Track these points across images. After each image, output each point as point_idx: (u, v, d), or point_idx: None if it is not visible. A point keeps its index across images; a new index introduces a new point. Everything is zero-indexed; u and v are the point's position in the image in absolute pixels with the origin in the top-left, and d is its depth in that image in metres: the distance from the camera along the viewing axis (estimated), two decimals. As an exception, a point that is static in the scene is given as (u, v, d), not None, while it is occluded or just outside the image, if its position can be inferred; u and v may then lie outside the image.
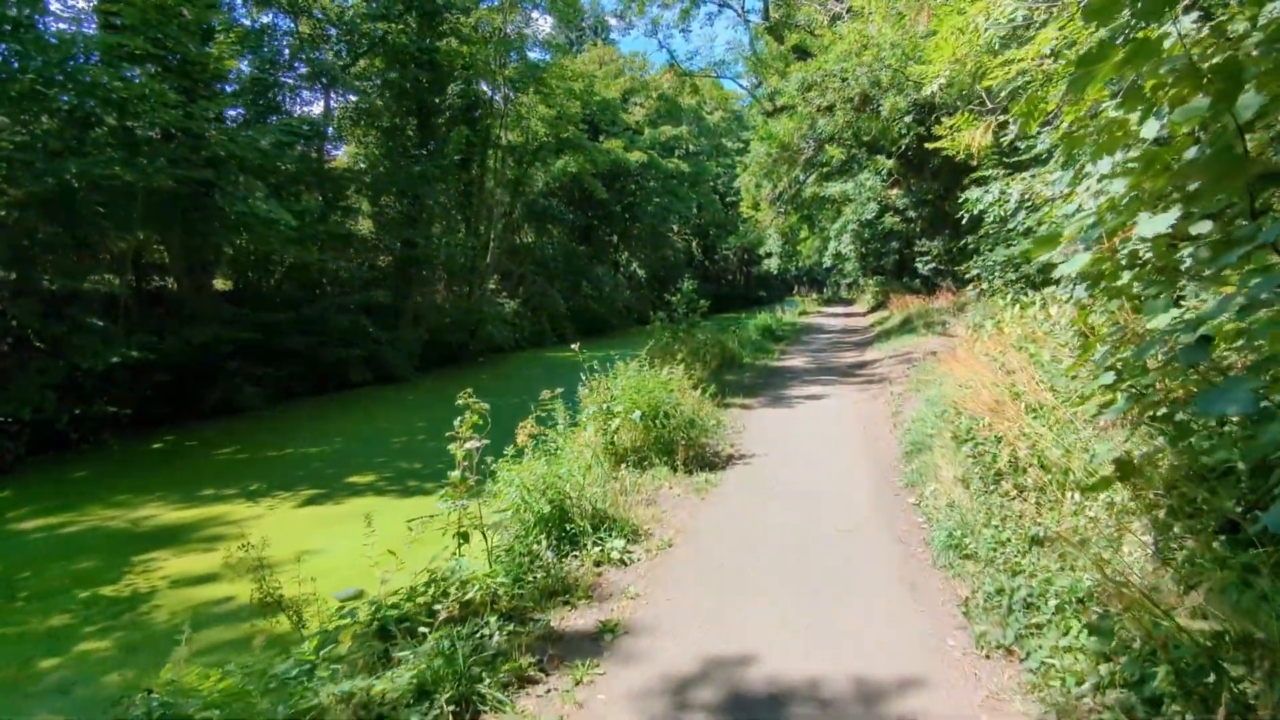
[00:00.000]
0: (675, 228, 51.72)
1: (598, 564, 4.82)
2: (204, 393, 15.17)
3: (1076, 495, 4.17)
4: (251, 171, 14.07)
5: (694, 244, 59.82)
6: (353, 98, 21.96)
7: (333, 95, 20.60)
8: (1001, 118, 7.87)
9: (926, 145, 11.84)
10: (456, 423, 4.66)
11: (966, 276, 16.80)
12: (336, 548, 7.04)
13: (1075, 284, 6.79)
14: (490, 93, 26.41)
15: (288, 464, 11.05)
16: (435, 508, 4.54)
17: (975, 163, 14.86)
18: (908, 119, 16.48)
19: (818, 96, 16.45)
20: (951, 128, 8.24)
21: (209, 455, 11.88)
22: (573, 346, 8.36)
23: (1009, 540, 4.34)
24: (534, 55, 29.35)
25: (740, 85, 33.43)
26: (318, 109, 22.62)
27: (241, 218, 12.82)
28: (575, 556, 4.90)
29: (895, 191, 28.86)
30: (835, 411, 10.57)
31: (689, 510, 5.98)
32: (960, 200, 10.39)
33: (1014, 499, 4.78)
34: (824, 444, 8.34)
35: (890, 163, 18.63)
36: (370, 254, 23.20)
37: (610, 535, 5.10)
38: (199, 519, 8.39)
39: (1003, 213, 8.30)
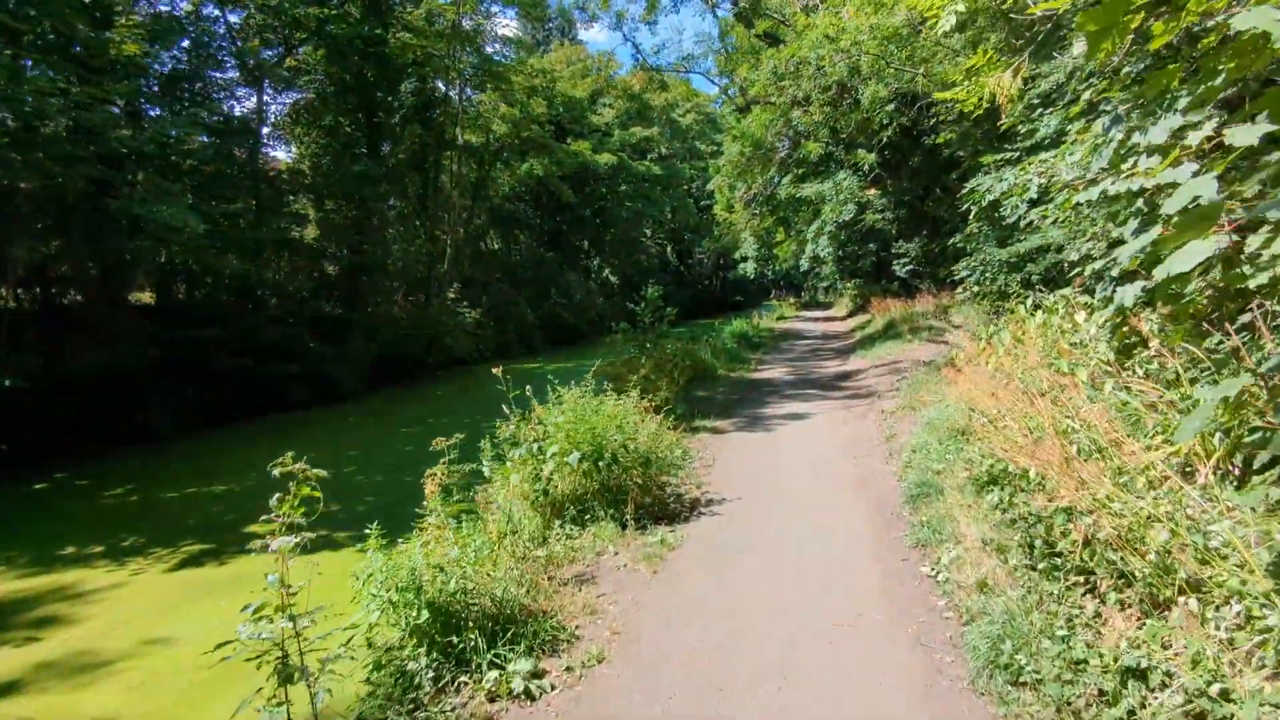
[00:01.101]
0: (649, 232, 50.41)
1: (492, 698, 3.35)
2: (113, 420, 13.44)
3: (1192, 602, 2.79)
4: (158, 170, 12.41)
5: (669, 249, 58.57)
6: (293, 94, 20.28)
7: (268, 90, 18.93)
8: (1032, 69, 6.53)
9: (936, 97, 10.55)
10: (273, 501, 3.20)
11: (957, 278, 15.57)
12: (190, 635, 5.48)
13: (1115, 284, 5.47)
14: (446, 90, 24.87)
15: (183, 508, 9.41)
16: (237, 634, 3.06)
17: (974, 149, 13.54)
18: (889, 108, 15.27)
19: (791, 86, 15.17)
20: (969, 71, 6.85)
21: (94, 498, 10.18)
22: (496, 372, 6.90)
23: (1086, 663, 2.95)
24: (496, 52, 27.91)
25: (711, 82, 32.27)
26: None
27: (137, 221, 11.14)
28: (465, 684, 3.44)
29: (873, 192, 27.82)
30: (820, 435, 9.20)
31: (635, 592, 4.53)
32: (964, 192, 9.08)
33: (1083, 589, 3.40)
34: (809, 481, 6.94)
35: (871, 157, 17.39)
36: (315, 263, 21.48)
37: (518, 647, 3.62)
38: (41, 590, 6.76)
39: (1021, 202, 6.97)
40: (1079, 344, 6.05)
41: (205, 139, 15.19)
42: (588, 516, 5.66)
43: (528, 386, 6.80)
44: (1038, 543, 3.82)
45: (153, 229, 11.19)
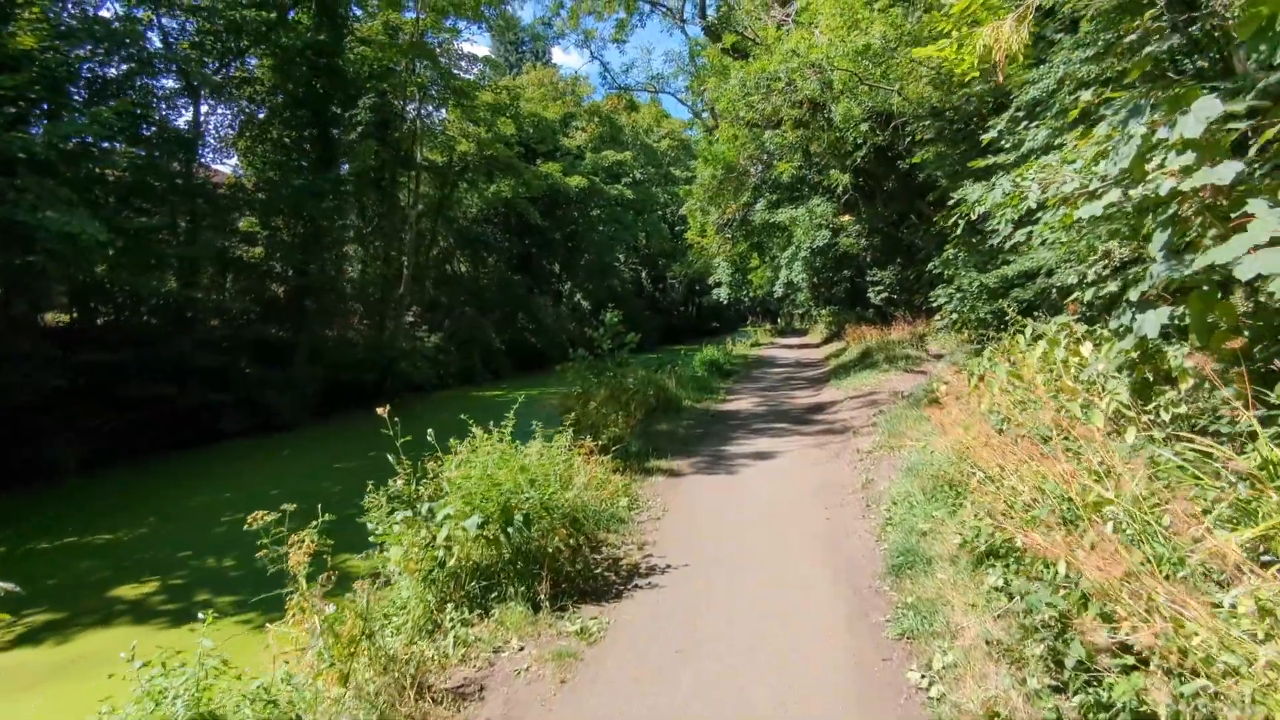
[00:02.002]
0: (622, 257, 49.63)
1: None
2: (3, 454, 12.00)
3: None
4: (61, 178, 11.16)
5: (643, 274, 57.87)
6: (242, 103, 19.14)
7: (206, 102, 17.78)
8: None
9: (915, 54, 9.74)
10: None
11: (934, 305, 14.80)
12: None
13: (1134, 310, 4.54)
14: (405, 106, 23.91)
15: (48, 564, 8.07)
16: None
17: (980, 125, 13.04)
18: (863, 127, 14.56)
19: (761, 101, 14.41)
20: (958, 17, 5.93)
21: (-50, 551, 8.79)
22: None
23: None
24: (462, 70, 27.06)
25: (682, 103, 31.70)
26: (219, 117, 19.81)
27: (29, 230, 9.85)
28: None
29: (847, 218, 27.27)
30: (788, 479, 8.15)
31: (536, 713, 3.40)
32: (951, 203, 8.23)
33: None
34: (772, 542, 5.87)
35: (845, 177, 16.66)
36: (262, 283, 20.16)
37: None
38: None
39: (1012, 216, 6.08)
40: (1087, 381, 5.13)
41: (119, 146, 13.94)
42: (495, 594, 4.54)
43: (463, 415, 5.79)
44: (1071, 661, 2.78)
45: (44, 239, 9.91)
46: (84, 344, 13.93)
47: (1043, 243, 8.59)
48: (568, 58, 79.45)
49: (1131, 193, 4.23)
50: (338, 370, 19.45)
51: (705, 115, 24.47)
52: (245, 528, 3.58)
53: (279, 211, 18.83)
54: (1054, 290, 9.43)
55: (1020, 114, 9.28)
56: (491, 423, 5.79)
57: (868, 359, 19.09)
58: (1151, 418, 4.56)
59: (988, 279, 10.77)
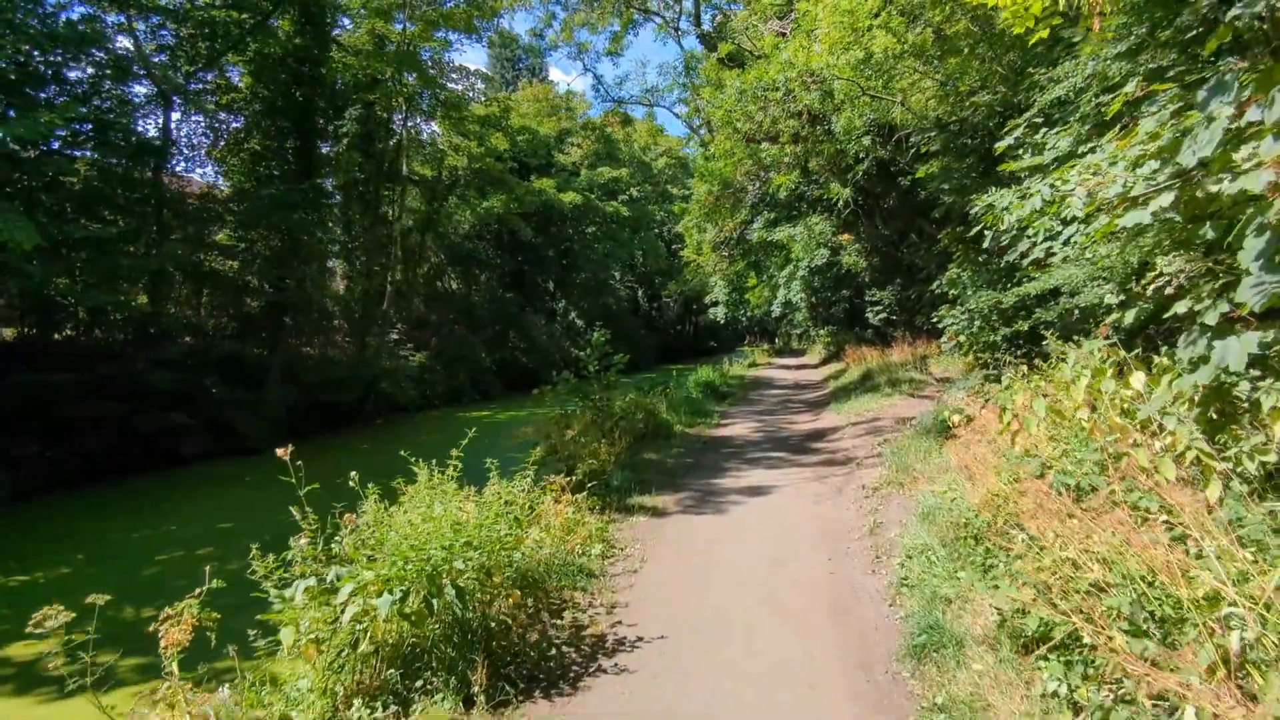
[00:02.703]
0: (618, 275, 48.95)
1: None
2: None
3: None
4: None
5: (639, 292, 57.17)
6: (218, 111, 18.44)
7: (178, 108, 17.06)
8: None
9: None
10: None
11: (938, 326, 13.99)
12: None
13: (1210, 337, 3.73)
14: (392, 118, 23.26)
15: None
16: None
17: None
18: (865, 140, 13.84)
19: (758, 112, 13.71)
20: None
21: None
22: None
23: None
24: (454, 83, 26.49)
25: (676, 116, 31.14)
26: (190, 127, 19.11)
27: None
28: None
29: (846, 237, 26.60)
30: (785, 520, 7.25)
31: None
32: (970, 214, 7.44)
33: None
34: (765, 605, 4.97)
35: (846, 191, 15.93)
36: (238, 299, 19.32)
37: None
38: None
39: (1051, 225, 5.28)
40: (1141, 420, 4.26)
41: (83, 154, 13.19)
42: (420, 682, 3.63)
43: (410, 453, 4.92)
44: None
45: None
46: (21, 362, 13.02)
47: (1065, 259, 7.81)
48: (565, 77, 79.54)
49: (1212, 188, 3.42)
50: (316, 390, 18.55)
51: (702, 131, 23.88)
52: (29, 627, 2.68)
53: (255, 224, 18.03)
54: (1076, 311, 8.64)
55: (1039, 120, 8.52)
56: (435, 461, 4.92)
57: (869, 381, 18.25)
58: (1231, 466, 3.72)
59: (1005, 297, 9.96)
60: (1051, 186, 4.68)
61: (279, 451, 3.78)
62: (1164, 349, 4.75)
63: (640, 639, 4.40)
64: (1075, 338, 5.88)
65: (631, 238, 45.07)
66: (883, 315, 29.88)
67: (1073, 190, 4.37)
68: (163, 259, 14.71)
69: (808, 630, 4.47)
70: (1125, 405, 4.51)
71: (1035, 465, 4.45)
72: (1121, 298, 6.01)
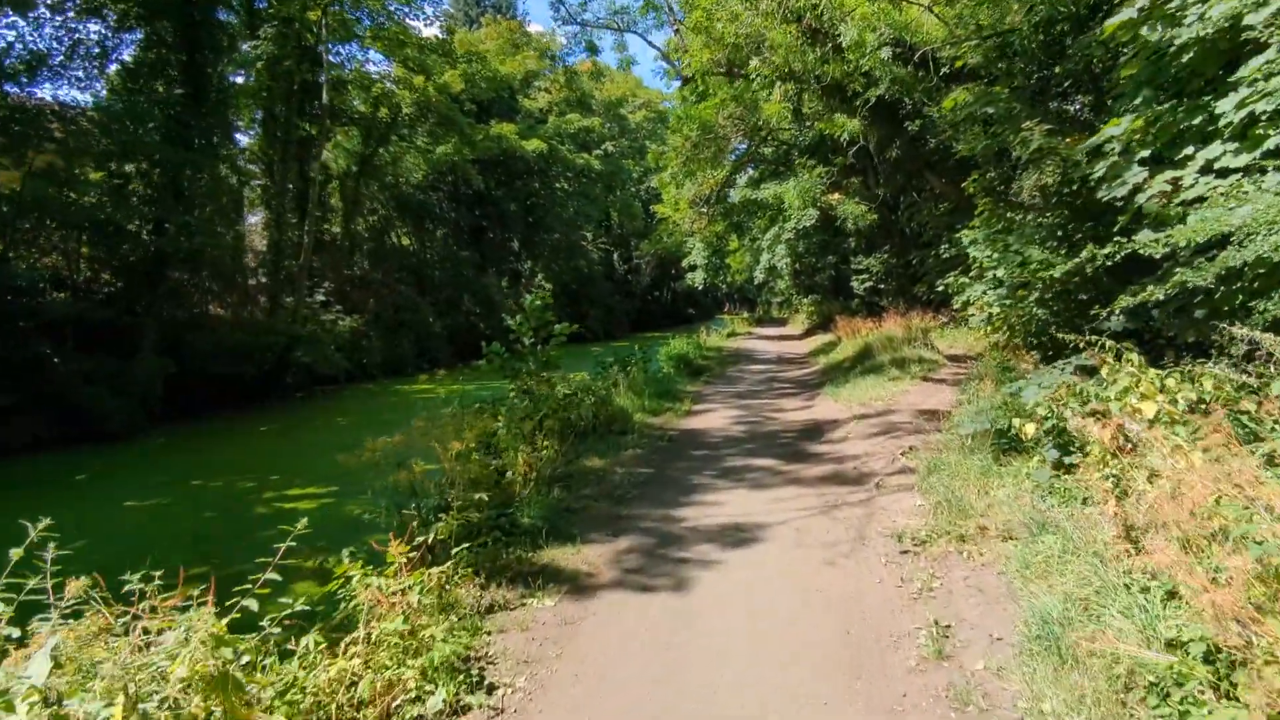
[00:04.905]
0: (589, 236, 45.58)
1: None
2: None
3: None
4: None
5: (614, 255, 53.86)
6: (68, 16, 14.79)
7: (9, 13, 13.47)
8: None
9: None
10: None
11: (962, 298, 11.15)
12: None
13: None
14: (320, 42, 19.63)
15: None
16: None
17: None
18: (883, 53, 10.80)
19: (745, 8, 10.60)
20: None
21: None
22: None
23: None
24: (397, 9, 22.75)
25: (650, 44, 27.62)
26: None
27: None
28: None
29: (836, 196, 23.69)
30: (779, 600, 4.41)
31: None
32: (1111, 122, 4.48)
33: None
34: None
35: (853, 123, 12.94)
36: (115, 249, 15.87)
37: None
38: None
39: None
40: None
41: None
42: None
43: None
44: None
45: None
46: None
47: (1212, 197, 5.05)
48: (533, 27, 74.66)
49: None
50: (206, 360, 15.36)
51: (680, 64, 20.70)
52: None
53: (129, 155, 14.59)
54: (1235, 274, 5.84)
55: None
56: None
57: (868, 360, 15.50)
58: None
59: (1095, 254, 7.11)
60: None
61: None
62: None
63: None
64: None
65: (605, 195, 41.69)
66: (869, 284, 27.24)
67: None
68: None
69: None
70: None
71: None
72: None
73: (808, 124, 19.74)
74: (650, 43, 28.31)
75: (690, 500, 6.73)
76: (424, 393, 19.53)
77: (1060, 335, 8.35)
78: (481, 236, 34.43)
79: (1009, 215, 11.21)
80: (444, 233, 32.74)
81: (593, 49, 25.31)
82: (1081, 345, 6.60)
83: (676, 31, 19.34)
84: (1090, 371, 5.99)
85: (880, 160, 21.57)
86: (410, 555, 4.04)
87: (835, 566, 4.99)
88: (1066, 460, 5.40)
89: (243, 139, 24.16)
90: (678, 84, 25.03)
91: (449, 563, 4.16)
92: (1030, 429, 5.73)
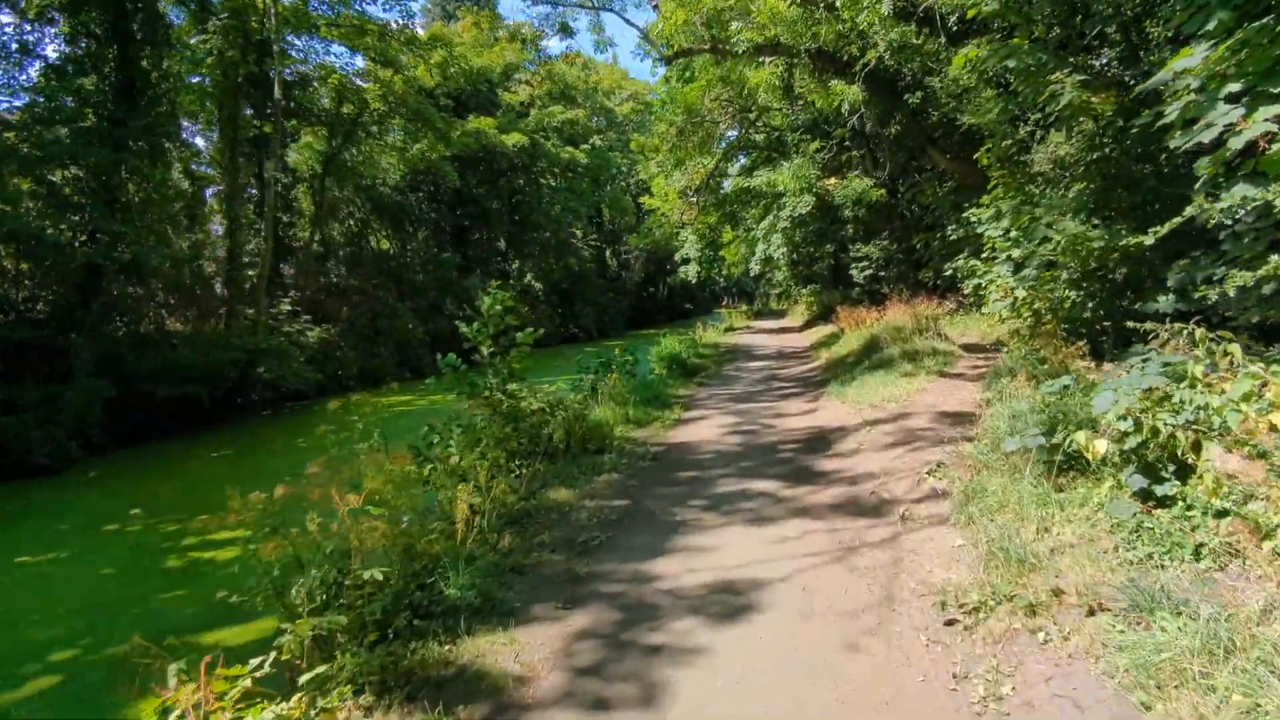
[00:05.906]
0: (579, 233, 44.19)
1: None
2: None
3: None
4: None
5: (606, 252, 52.46)
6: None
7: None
8: None
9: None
10: None
11: (975, 281, 9.92)
12: None
13: None
14: (272, 33, 18.28)
15: None
16: None
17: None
18: (883, 6, 9.44)
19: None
20: None
21: None
22: None
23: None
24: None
25: (629, 23, 26.25)
26: None
27: None
28: None
29: (833, 181, 22.31)
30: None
31: None
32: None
33: None
34: None
35: (853, 89, 11.60)
36: (48, 264, 14.54)
37: None
38: None
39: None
40: None
41: None
42: None
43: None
44: None
45: None
46: None
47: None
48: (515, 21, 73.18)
49: None
50: (151, 380, 14.04)
51: (663, 47, 19.35)
52: None
53: (54, 159, 13.26)
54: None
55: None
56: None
57: (876, 353, 14.14)
58: None
59: (1133, 241, 5.76)
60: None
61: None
62: None
63: None
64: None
65: (594, 190, 40.30)
66: (869, 272, 25.98)
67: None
68: None
69: None
70: None
71: None
72: None
73: (799, 102, 18.41)
74: (629, 21, 26.93)
75: (670, 546, 5.40)
76: (402, 405, 18.24)
77: (1122, 323, 6.98)
78: (465, 237, 33.09)
79: (1028, 188, 9.90)
80: (425, 234, 31.39)
81: (566, 30, 23.87)
82: (1161, 334, 5.26)
83: (655, 7, 18.05)
84: (1176, 376, 4.64)
85: (879, 138, 20.22)
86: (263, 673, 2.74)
87: (858, 652, 3.66)
88: (1158, 490, 4.09)
89: (201, 141, 22.87)
90: (662, 69, 23.69)
91: (299, 694, 2.84)
92: (1100, 446, 4.42)
